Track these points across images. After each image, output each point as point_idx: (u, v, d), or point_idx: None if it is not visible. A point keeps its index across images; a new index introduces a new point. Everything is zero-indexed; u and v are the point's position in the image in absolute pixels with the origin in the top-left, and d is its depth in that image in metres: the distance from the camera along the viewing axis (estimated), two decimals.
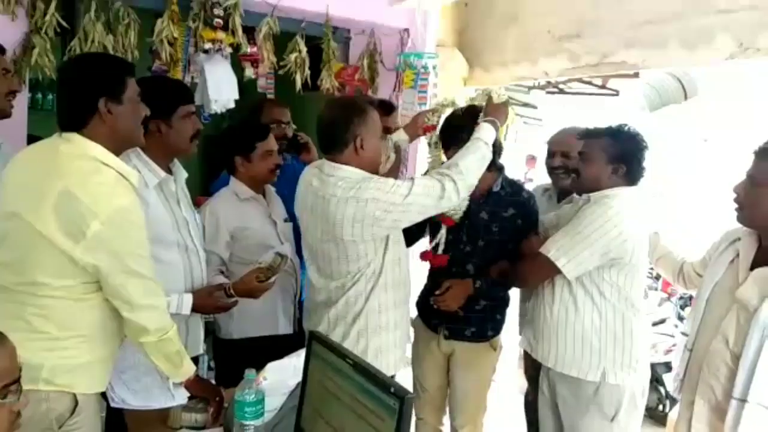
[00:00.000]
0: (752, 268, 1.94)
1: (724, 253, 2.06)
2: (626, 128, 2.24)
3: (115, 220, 1.58)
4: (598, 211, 2.14)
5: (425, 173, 2.48)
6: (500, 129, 2.26)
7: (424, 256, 2.52)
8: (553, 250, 2.15)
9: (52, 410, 1.60)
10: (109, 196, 1.59)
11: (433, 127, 2.54)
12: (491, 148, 2.18)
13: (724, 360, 1.93)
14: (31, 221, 1.56)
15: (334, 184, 2.07)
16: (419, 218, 2.12)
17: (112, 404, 1.84)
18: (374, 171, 2.19)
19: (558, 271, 2.15)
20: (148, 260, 1.70)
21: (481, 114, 2.27)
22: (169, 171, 2.16)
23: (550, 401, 2.35)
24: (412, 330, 2.51)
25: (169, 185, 2.15)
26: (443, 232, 2.46)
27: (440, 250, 2.46)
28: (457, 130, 2.36)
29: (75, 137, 1.64)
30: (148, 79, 2.71)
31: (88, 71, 1.69)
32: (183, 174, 2.24)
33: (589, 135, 2.29)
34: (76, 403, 1.65)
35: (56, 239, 1.55)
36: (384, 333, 2.20)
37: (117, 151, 1.69)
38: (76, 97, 1.66)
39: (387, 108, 2.99)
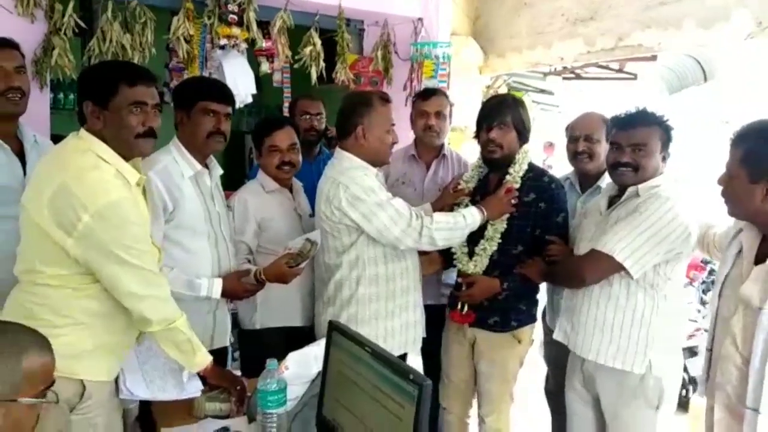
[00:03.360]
0: (758, 262, 1.80)
1: (731, 245, 1.95)
2: (659, 112, 2.17)
3: (105, 215, 1.61)
4: (661, 209, 2.06)
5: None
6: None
7: (452, 316, 2.56)
8: (618, 249, 2.06)
9: (60, 393, 1.64)
10: (102, 191, 1.62)
11: (466, 193, 2.58)
12: (467, 231, 2.34)
13: (735, 363, 1.80)
14: (31, 212, 1.64)
15: (331, 164, 2.36)
16: (378, 237, 2.24)
17: (120, 396, 1.88)
18: (378, 162, 2.37)
19: (622, 270, 2.09)
20: (145, 253, 1.72)
21: (484, 201, 2.42)
22: (206, 166, 2.25)
23: (586, 394, 2.31)
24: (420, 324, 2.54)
25: (204, 179, 2.25)
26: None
27: (465, 309, 2.49)
28: (499, 105, 2.46)
29: (84, 133, 1.70)
30: (192, 77, 2.92)
31: (85, 74, 1.78)
32: (218, 171, 2.33)
33: (632, 123, 2.16)
34: (84, 388, 1.70)
35: (50, 230, 1.61)
36: (374, 322, 2.33)
37: (120, 155, 1.70)
38: (78, 97, 1.75)
39: (424, 94, 2.99)
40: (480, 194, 2.54)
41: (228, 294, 2.26)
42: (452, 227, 2.29)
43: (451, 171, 2.95)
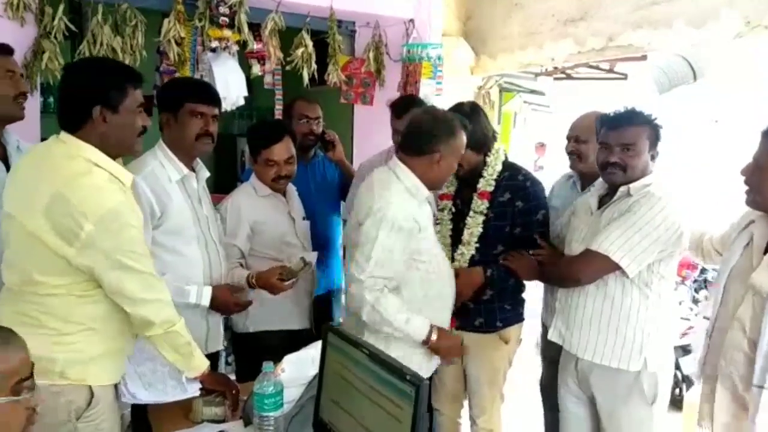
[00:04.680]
0: (767, 252, 1.86)
1: (740, 236, 1.99)
2: (647, 112, 2.18)
3: (106, 222, 1.59)
4: (655, 208, 2.07)
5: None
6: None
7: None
8: (613, 249, 2.07)
9: (70, 402, 1.64)
10: (100, 197, 1.60)
11: (448, 196, 2.57)
12: (397, 333, 2.13)
13: (742, 348, 1.86)
14: (23, 222, 1.60)
15: (385, 171, 2.22)
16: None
17: (123, 399, 1.87)
18: (435, 188, 2.28)
19: (617, 269, 2.10)
20: (145, 257, 1.72)
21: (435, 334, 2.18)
22: (192, 169, 2.23)
23: (581, 392, 2.31)
24: None
25: (191, 182, 2.23)
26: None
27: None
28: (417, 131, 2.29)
29: (69, 138, 1.66)
30: (175, 78, 2.80)
31: (88, 77, 1.70)
32: (205, 173, 2.31)
33: (620, 122, 2.17)
34: (92, 394, 1.69)
35: (49, 241, 1.58)
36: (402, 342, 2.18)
37: (111, 155, 1.70)
38: (73, 100, 1.68)
39: (395, 110, 2.89)
40: (459, 198, 2.54)
41: (218, 305, 2.23)
42: (390, 318, 2.09)
43: None
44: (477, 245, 2.42)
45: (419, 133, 2.18)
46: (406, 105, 2.88)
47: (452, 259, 2.47)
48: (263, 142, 2.54)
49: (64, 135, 1.68)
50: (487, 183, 2.44)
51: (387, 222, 2.06)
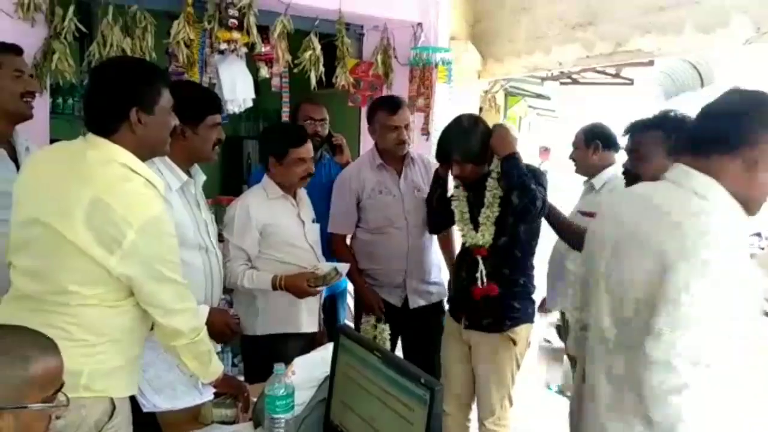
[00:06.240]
0: None
1: None
2: (673, 114, 2.10)
3: (149, 230, 1.55)
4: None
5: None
6: None
7: (475, 292, 2.48)
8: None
9: (90, 416, 1.59)
10: (142, 204, 1.56)
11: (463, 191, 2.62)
12: None
13: None
14: (60, 230, 1.53)
15: (672, 190, 1.47)
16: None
17: (145, 410, 1.83)
18: (749, 211, 1.43)
19: None
20: (178, 265, 1.69)
21: None
22: (188, 174, 2.20)
23: None
24: None
25: (190, 188, 2.19)
26: (481, 266, 2.48)
27: (484, 281, 2.47)
28: (445, 145, 2.50)
29: (102, 142, 1.60)
30: (181, 83, 2.77)
31: (124, 78, 1.64)
32: (201, 177, 2.27)
33: (636, 129, 2.14)
34: (114, 407, 1.64)
35: (90, 249, 1.52)
36: None
37: (143, 159, 1.66)
38: (108, 103, 1.62)
39: (391, 107, 2.89)
40: (474, 191, 2.55)
41: (213, 328, 2.06)
42: None
43: (419, 173, 2.97)
44: (499, 208, 2.44)
45: (723, 115, 1.43)
46: (397, 100, 2.94)
47: (476, 228, 2.50)
48: (294, 142, 2.54)
49: (94, 138, 1.62)
50: (494, 185, 2.46)
51: (714, 268, 1.28)
